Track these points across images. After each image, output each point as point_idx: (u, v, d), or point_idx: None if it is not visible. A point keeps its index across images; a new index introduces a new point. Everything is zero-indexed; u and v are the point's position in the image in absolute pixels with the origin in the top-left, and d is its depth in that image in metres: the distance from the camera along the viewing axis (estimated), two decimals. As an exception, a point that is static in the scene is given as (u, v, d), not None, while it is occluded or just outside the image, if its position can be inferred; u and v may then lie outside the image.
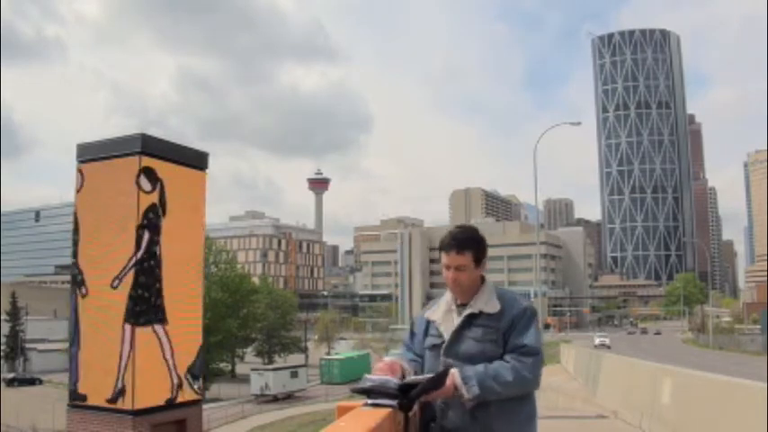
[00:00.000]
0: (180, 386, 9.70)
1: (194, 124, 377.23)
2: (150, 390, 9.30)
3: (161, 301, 9.74)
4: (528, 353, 2.45)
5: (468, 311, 2.54)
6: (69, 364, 9.73)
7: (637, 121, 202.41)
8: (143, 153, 9.54)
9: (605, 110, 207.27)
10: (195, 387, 9.98)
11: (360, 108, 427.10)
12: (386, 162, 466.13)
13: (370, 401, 2.43)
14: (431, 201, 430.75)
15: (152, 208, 9.67)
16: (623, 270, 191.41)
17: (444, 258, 2.56)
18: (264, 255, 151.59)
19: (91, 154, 10.05)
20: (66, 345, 11.19)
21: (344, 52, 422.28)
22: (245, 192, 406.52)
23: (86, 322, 9.59)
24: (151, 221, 9.66)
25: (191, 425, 9.84)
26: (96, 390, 9.26)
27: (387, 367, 2.50)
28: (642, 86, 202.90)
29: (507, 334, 2.49)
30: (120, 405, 9.05)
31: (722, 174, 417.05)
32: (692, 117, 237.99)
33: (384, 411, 2.33)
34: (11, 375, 54.17)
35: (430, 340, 2.62)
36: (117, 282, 9.39)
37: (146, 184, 9.64)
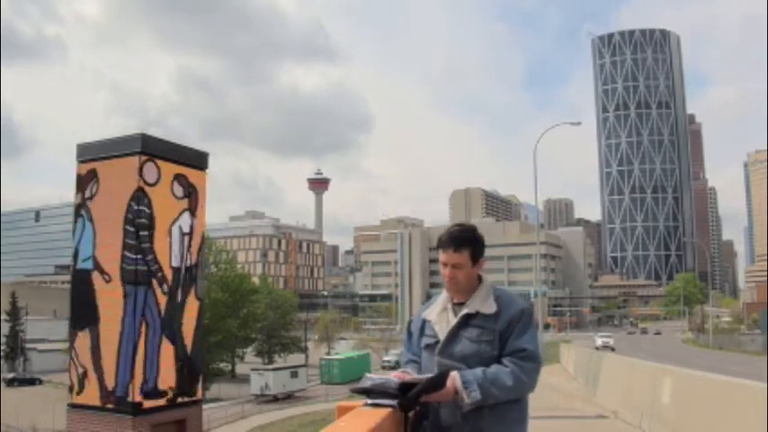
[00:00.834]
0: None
1: (194, 124, 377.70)
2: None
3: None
4: (527, 357, 2.44)
5: (464, 311, 2.53)
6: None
7: (637, 121, 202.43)
8: (143, 153, 9.54)
9: (605, 110, 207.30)
10: (187, 389, 10.02)
11: (360, 108, 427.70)
12: (386, 162, 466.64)
13: (370, 401, 2.43)
14: (431, 201, 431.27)
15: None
16: (623, 270, 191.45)
17: (442, 256, 2.56)
18: (264, 255, 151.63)
19: (91, 154, 10.04)
20: (67, 345, 11.18)
21: (344, 52, 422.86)
22: (245, 192, 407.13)
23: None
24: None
25: (191, 425, 9.84)
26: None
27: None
28: (642, 86, 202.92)
29: (504, 335, 2.48)
30: (119, 405, 9.07)
31: (722, 174, 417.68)
32: (692, 117, 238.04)
33: (384, 411, 2.33)
34: (11, 375, 54.18)
35: (425, 340, 2.61)
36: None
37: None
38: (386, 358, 57.93)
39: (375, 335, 76.78)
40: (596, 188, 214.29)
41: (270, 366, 53.35)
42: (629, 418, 10.25)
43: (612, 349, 45.60)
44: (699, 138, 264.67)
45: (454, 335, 2.52)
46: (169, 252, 9.72)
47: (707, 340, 64.93)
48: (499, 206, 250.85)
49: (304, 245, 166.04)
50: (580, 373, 20.27)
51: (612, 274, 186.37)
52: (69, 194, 11.91)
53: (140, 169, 9.46)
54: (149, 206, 9.48)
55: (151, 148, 9.75)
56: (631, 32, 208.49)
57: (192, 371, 9.92)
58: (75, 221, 9.95)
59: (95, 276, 9.49)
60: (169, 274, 9.71)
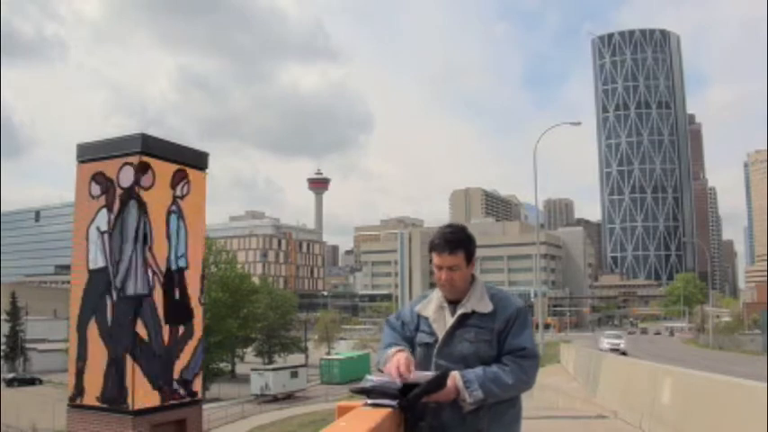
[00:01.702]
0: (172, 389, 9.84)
1: (194, 124, 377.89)
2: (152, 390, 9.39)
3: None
4: (526, 355, 2.45)
5: (461, 311, 2.52)
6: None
7: (637, 121, 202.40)
8: (143, 153, 9.54)
9: (605, 110, 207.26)
10: (187, 389, 10.01)
11: (360, 108, 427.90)
12: (386, 162, 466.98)
13: (370, 402, 2.43)
14: (431, 201, 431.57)
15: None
16: (623, 270, 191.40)
17: (436, 259, 2.54)
18: (264, 255, 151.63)
19: (91, 154, 10.04)
20: (67, 345, 11.19)
21: (345, 52, 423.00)
22: (245, 192, 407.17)
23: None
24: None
25: (191, 425, 9.84)
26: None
27: (401, 364, 2.41)
28: (642, 86, 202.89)
29: (502, 335, 2.48)
30: (120, 405, 9.06)
31: (722, 174, 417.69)
32: (692, 117, 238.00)
33: (384, 411, 2.33)
34: (11, 375, 54.16)
35: (422, 337, 2.58)
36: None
37: (95, 190, 9.97)
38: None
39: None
40: (596, 188, 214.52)
41: (270, 366, 53.35)
42: (629, 418, 10.25)
43: (624, 353, 33.13)
44: (699, 138, 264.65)
45: (452, 335, 2.51)
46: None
47: (707, 340, 64.95)
48: (499, 206, 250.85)
49: (304, 245, 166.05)
50: (580, 373, 20.27)
51: (612, 274, 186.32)
52: (69, 194, 11.92)
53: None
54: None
55: (151, 148, 9.75)
56: (631, 32, 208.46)
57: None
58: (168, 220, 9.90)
59: (188, 275, 10.02)
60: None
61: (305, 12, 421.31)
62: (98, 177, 9.74)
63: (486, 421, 2.43)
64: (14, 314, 63.38)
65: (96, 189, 9.72)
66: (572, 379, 21.59)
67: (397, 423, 2.41)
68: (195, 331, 10.15)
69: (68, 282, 11.66)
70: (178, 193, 9.99)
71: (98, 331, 9.31)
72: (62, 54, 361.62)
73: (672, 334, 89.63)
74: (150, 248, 9.46)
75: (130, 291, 9.25)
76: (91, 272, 9.54)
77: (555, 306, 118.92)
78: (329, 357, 58.81)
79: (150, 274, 9.40)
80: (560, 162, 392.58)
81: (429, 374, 2.41)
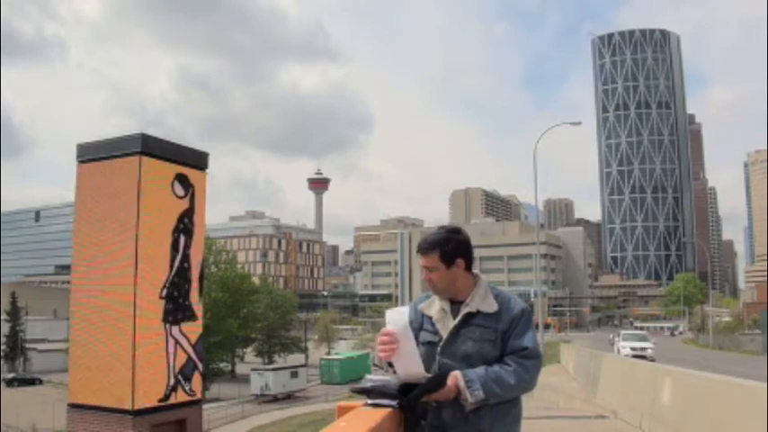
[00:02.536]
0: (174, 388, 9.82)
1: (194, 124, 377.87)
2: (153, 390, 9.41)
3: (189, 302, 10.21)
4: (529, 356, 2.46)
5: (465, 310, 2.52)
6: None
7: (637, 121, 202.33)
8: (143, 153, 9.55)
9: (605, 110, 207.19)
10: (187, 388, 10.01)
11: (360, 108, 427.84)
12: (386, 162, 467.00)
13: (370, 401, 2.43)
14: (431, 201, 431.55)
15: (187, 213, 10.30)
16: (623, 270, 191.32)
17: (419, 259, 2.62)
18: (264, 255, 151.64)
19: (91, 154, 10.05)
20: (66, 345, 11.20)
21: (345, 52, 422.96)
22: (245, 192, 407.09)
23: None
24: (186, 226, 10.26)
25: (191, 425, 9.84)
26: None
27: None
28: (642, 86, 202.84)
29: (506, 335, 2.48)
30: (121, 405, 9.07)
31: (722, 174, 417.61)
32: (692, 117, 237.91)
33: (384, 411, 2.33)
34: (11, 375, 54.19)
35: (425, 336, 2.58)
36: (164, 291, 9.89)
37: (179, 190, 10.15)
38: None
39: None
40: (596, 188, 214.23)
41: (270, 366, 53.40)
42: (629, 418, 10.25)
43: (653, 359, 24.46)
44: (699, 138, 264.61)
45: (456, 334, 2.51)
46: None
47: (707, 340, 64.93)
48: (499, 206, 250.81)
49: (304, 245, 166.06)
50: (580, 373, 20.27)
51: (612, 274, 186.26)
52: (69, 194, 11.94)
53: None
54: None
55: (151, 148, 9.75)
56: (631, 32, 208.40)
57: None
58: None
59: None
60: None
61: (305, 12, 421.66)
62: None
63: (488, 421, 2.43)
64: (14, 314, 63.41)
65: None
66: (572, 379, 21.60)
67: (397, 423, 2.41)
68: (194, 331, 10.16)
69: (68, 282, 11.67)
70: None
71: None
72: (62, 54, 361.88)
73: (672, 334, 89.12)
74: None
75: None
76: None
77: (555, 306, 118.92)
78: (329, 357, 58.86)
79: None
80: (560, 162, 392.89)
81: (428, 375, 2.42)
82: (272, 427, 32.42)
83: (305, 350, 67.74)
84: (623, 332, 35.50)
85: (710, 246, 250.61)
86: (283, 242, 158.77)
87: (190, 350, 9.99)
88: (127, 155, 9.62)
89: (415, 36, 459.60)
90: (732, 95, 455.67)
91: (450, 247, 2.54)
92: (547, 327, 73.05)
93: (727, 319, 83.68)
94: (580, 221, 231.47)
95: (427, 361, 2.52)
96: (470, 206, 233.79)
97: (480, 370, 2.40)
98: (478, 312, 2.51)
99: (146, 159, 9.61)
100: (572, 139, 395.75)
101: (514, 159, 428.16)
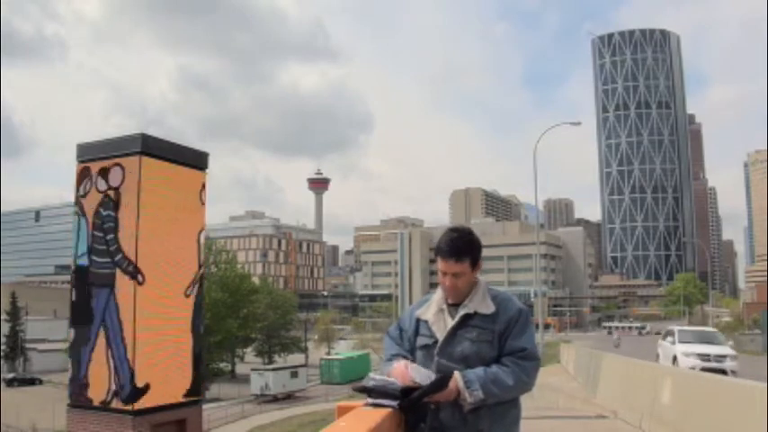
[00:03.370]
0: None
1: (194, 124, 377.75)
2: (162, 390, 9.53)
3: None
4: (527, 357, 2.47)
5: (463, 312, 2.52)
6: None
7: (637, 121, 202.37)
8: (143, 153, 9.55)
9: (605, 110, 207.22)
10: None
11: (360, 108, 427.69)
12: (386, 162, 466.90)
13: (370, 401, 2.43)
14: (431, 201, 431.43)
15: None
16: (623, 270, 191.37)
17: (442, 265, 2.53)
18: (264, 255, 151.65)
19: (91, 154, 10.05)
20: (66, 345, 11.20)
21: (345, 52, 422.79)
22: (245, 192, 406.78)
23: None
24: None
25: (191, 425, 9.84)
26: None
27: (402, 366, 2.45)
28: (642, 86, 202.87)
29: (503, 336, 2.49)
30: (120, 405, 9.07)
31: (722, 174, 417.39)
32: (692, 117, 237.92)
33: (384, 412, 2.33)
34: (11, 375, 54.20)
35: (421, 340, 2.60)
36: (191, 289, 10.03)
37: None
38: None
39: (376, 335, 76.63)
40: (596, 188, 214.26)
41: (270, 366, 53.40)
42: (629, 418, 10.25)
43: (733, 373, 16.21)
44: (699, 138, 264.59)
45: (453, 335, 2.52)
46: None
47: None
48: (499, 206, 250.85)
49: (304, 245, 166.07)
50: (580, 374, 20.27)
51: (612, 274, 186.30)
52: (69, 194, 11.92)
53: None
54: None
55: (151, 148, 9.76)
56: (631, 32, 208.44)
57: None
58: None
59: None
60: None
61: (305, 12, 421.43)
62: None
63: (487, 422, 2.43)
64: (14, 314, 63.42)
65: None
66: (572, 379, 21.59)
67: (397, 423, 2.41)
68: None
69: (68, 282, 11.66)
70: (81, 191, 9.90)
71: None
72: (62, 54, 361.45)
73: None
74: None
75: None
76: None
77: (555, 306, 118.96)
78: (329, 357, 58.87)
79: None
80: (560, 162, 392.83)
81: (428, 372, 2.42)
82: (272, 427, 32.43)
83: (305, 350, 67.75)
84: (678, 328, 20.28)
85: (710, 246, 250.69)
86: (283, 242, 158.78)
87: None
88: (127, 155, 9.62)
89: (415, 36, 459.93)
90: (732, 95, 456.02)
91: (479, 252, 2.56)
92: (547, 327, 73.05)
93: (727, 319, 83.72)
94: (580, 221, 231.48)
95: (425, 363, 2.53)
96: (470, 206, 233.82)
97: (479, 371, 2.40)
98: (476, 313, 2.52)
99: (146, 159, 9.61)
100: (572, 139, 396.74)
101: (514, 159, 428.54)
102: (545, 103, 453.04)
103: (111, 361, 9.11)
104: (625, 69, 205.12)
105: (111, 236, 9.33)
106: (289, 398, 46.57)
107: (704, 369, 15.31)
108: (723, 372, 15.79)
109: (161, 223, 9.73)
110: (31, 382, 53.52)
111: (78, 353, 9.42)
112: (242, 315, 57.12)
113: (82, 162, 10.10)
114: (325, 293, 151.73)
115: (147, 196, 9.52)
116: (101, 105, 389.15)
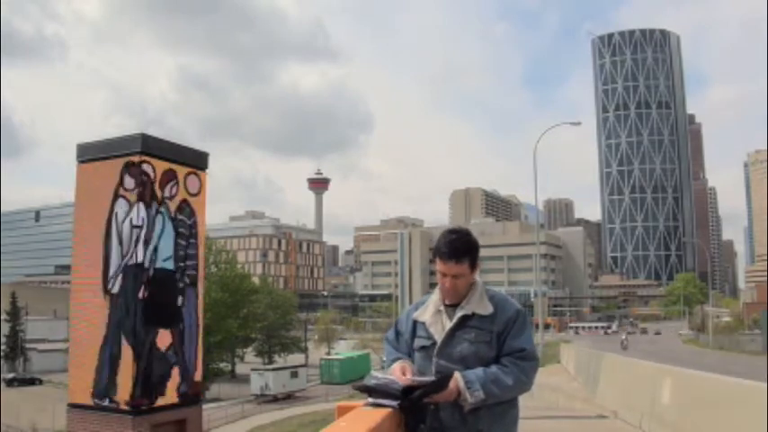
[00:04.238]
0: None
1: (194, 124, 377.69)
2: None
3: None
4: (526, 357, 2.47)
5: (461, 313, 2.53)
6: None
7: (637, 121, 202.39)
8: (143, 153, 9.55)
9: (605, 110, 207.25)
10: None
11: (360, 108, 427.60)
12: (386, 162, 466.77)
13: (371, 401, 2.43)
14: (431, 201, 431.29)
15: None
16: (623, 270, 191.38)
17: (441, 266, 2.53)
18: (264, 255, 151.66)
19: (91, 154, 10.05)
20: (66, 345, 11.21)
21: (345, 52, 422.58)
22: (245, 192, 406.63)
23: None
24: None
25: (191, 425, 9.84)
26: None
27: (399, 370, 2.49)
28: (642, 86, 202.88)
29: (502, 336, 2.50)
30: (121, 405, 9.07)
31: (722, 174, 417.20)
32: (692, 117, 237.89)
33: (384, 412, 2.34)
34: (11, 375, 54.16)
35: (419, 341, 2.60)
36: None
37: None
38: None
39: (376, 335, 76.70)
40: (596, 188, 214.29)
41: (270, 366, 53.37)
42: (629, 418, 10.25)
43: None
44: (699, 138, 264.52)
45: (452, 336, 2.52)
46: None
47: (707, 340, 64.93)
48: (499, 206, 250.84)
49: (304, 245, 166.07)
50: (580, 373, 20.28)
51: (612, 274, 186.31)
52: (69, 194, 11.92)
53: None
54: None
55: (151, 148, 9.75)
56: (631, 32, 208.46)
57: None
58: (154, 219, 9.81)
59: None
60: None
61: (305, 12, 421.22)
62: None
63: (486, 422, 2.44)
64: (14, 314, 63.39)
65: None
66: (572, 379, 21.60)
67: (397, 423, 2.41)
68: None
69: (68, 282, 11.68)
70: (167, 193, 9.93)
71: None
72: (62, 54, 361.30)
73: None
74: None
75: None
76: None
77: (555, 306, 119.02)
78: (329, 357, 58.87)
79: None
80: (560, 162, 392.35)
81: (428, 378, 2.43)
82: (272, 427, 32.43)
83: (305, 350, 67.73)
84: None
85: (710, 246, 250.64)
86: (283, 242, 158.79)
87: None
88: (127, 155, 9.62)
89: (415, 36, 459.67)
90: (732, 95, 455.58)
91: (477, 254, 2.57)
92: (547, 327, 73.04)
93: (727, 319, 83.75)
94: (580, 221, 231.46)
95: (423, 364, 2.54)
96: (470, 206, 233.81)
97: (479, 371, 2.41)
98: (474, 314, 2.52)
99: (146, 159, 9.61)
100: (572, 139, 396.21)
101: (514, 159, 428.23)
102: (545, 103, 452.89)
103: (182, 358, 9.64)
104: (625, 69, 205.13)
105: (193, 240, 10.02)
106: (289, 398, 46.55)
107: None
108: None
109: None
110: (31, 382, 53.48)
111: (170, 353, 9.68)
112: (242, 315, 57.10)
113: (82, 162, 10.08)
114: (325, 293, 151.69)
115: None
116: (101, 105, 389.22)
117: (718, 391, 7.24)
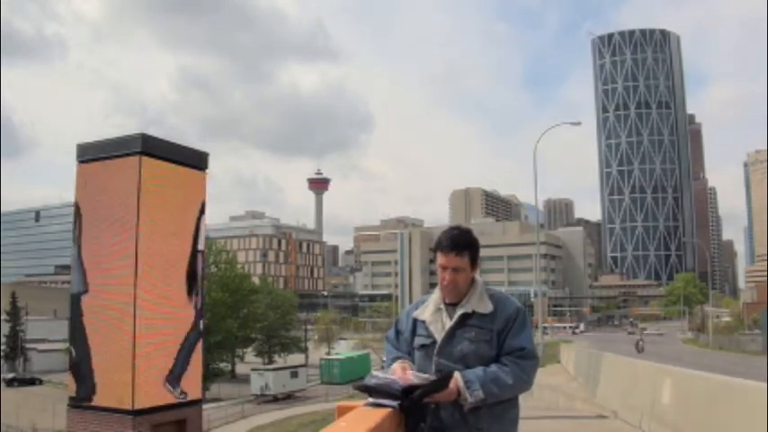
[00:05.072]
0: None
1: (194, 124, 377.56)
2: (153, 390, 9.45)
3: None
4: (526, 356, 2.48)
5: (461, 311, 2.54)
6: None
7: (637, 121, 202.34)
8: (143, 153, 9.55)
9: (605, 110, 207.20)
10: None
11: (360, 108, 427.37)
12: (386, 162, 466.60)
13: (371, 401, 2.43)
14: (431, 201, 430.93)
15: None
16: (623, 270, 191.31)
17: (441, 259, 2.54)
18: (264, 255, 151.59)
19: (91, 154, 10.05)
20: (66, 345, 11.22)
21: (345, 52, 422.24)
22: (245, 192, 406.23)
23: None
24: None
25: (191, 425, 9.84)
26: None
27: (399, 370, 2.50)
28: (642, 86, 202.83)
29: (502, 335, 2.50)
30: (121, 405, 9.06)
31: (722, 174, 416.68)
32: (692, 117, 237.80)
33: (384, 411, 2.33)
34: (11, 375, 54.15)
35: (419, 340, 2.61)
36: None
37: None
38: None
39: (376, 335, 76.71)
40: (596, 188, 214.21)
41: (270, 366, 53.35)
42: (629, 418, 10.25)
43: None
44: (699, 138, 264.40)
45: (452, 335, 2.53)
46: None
47: (707, 340, 64.92)
48: (499, 206, 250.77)
49: (304, 245, 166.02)
50: (580, 373, 20.27)
51: (612, 274, 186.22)
52: (69, 194, 11.93)
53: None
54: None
55: (151, 148, 9.76)
56: (631, 32, 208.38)
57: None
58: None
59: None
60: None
61: (305, 12, 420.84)
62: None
63: (486, 421, 2.44)
64: (14, 314, 63.39)
65: None
66: (572, 379, 21.59)
67: (397, 423, 2.41)
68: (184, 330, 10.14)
69: (68, 282, 11.69)
70: None
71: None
72: (62, 54, 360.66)
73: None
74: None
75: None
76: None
77: (555, 306, 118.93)
78: (329, 357, 58.84)
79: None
80: (560, 162, 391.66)
81: (428, 376, 2.43)
82: (272, 427, 32.42)
83: (305, 350, 67.70)
84: None
85: (710, 246, 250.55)
86: (283, 242, 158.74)
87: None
88: (127, 155, 9.64)
89: (416, 36, 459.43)
90: (732, 95, 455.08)
91: (478, 250, 2.58)
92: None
93: (727, 319, 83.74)
94: (580, 221, 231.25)
95: (424, 363, 2.54)
96: (470, 206, 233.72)
97: (479, 371, 2.41)
98: (474, 313, 2.53)
99: (146, 159, 9.62)
100: (572, 139, 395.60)
101: (514, 159, 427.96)
102: (545, 103, 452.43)
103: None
104: (625, 69, 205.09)
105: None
106: (289, 398, 46.53)
107: None
108: None
109: (163, 224, 9.75)
110: (31, 382, 53.47)
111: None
112: (242, 315, 57.07)
113: (82, 162, 10.08)
114: (325, 293, 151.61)
115: (148, 197, 9.54)
116: (101, 105, 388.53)
117: (718, 391, 7.24)
